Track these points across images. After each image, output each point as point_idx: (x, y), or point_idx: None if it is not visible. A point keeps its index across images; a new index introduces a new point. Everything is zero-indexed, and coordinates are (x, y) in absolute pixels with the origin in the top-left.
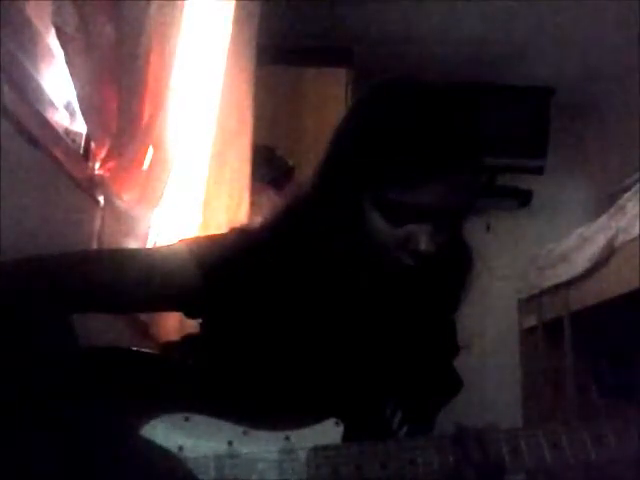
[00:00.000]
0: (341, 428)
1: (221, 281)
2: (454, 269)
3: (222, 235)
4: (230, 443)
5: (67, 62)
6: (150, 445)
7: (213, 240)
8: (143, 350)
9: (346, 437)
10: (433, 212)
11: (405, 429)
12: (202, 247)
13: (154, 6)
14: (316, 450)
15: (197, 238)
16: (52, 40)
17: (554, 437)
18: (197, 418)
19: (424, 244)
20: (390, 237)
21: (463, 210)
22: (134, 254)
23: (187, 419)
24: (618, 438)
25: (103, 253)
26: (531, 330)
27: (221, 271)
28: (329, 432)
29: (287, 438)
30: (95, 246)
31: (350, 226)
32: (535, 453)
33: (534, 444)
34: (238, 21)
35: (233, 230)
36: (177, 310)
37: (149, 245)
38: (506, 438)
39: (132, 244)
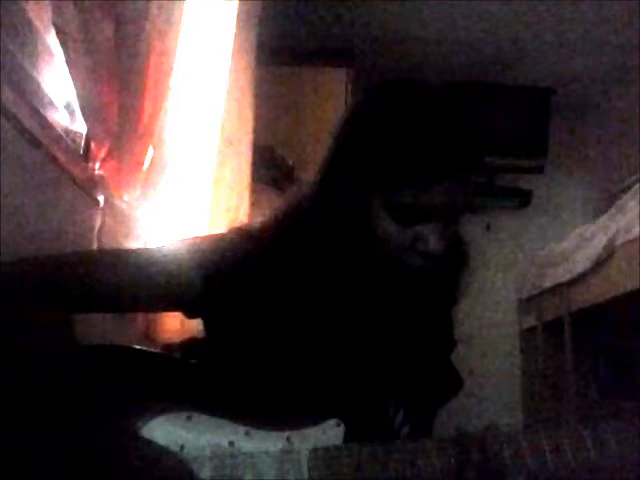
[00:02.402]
0: (342, 429)
1: (221, 281)
2: (453, 265)
3: (222, 234)
4: (231, 443)
5: (67, 62)
6: (151, 444)
7: (213, 239)
8: (145, 349)
9: (348, 437)
10: (442, 211)
11: (407, 428)
12: (202, 246)
13: (154, 6)
14: (317, 451)
15: (197, 237)
16: (52, 40)
17: (555, 439)
18: (199, 417)
19: (434, 244)
20: (398, 238)
21: (466, 207)
22: (134, 253)
23: (189, 418)
24: (619, 439)
25: (103, 253)
26: (531, 330)
27: (221, 270)
28: (330, 433)
29: (288, 438)
30: (95, 246)
31: (355, 227)
32: (536, 455)
33: (535, 446)
34: (239, 21)
35: (233, 230)
36: (177, 310)
37: (149, 245)
38: (507, 440)
39: (132, 244)
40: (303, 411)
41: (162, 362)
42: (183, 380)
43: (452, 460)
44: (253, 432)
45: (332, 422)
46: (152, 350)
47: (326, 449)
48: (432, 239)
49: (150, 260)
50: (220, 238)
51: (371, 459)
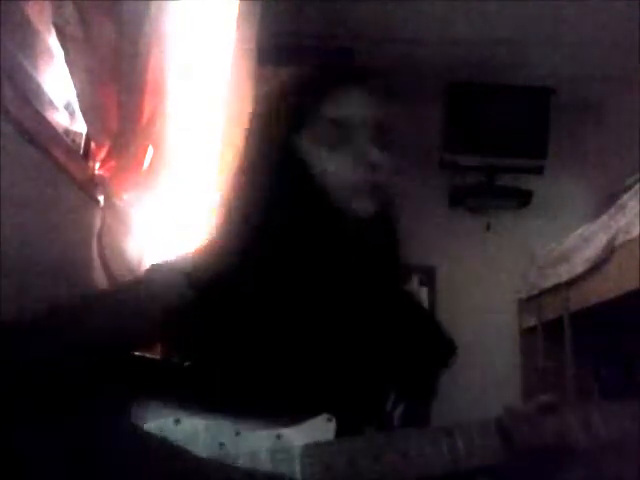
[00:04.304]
0: (333, 424)
1: (209, 289)
2: (386, 226)
3: (201, 250)
4: (222, 444)
5: (67, 62)
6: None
7: (196, 255)
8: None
9: (339, 431)
10: (366, 123)
11: (401, 408)
12: (183, 263)
13: (154, 6)
14: (308, 447)
15: (174, 258)
16: (52, 40)
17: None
18: (188, 420)
19: (373, 153)
20: (339, 161)
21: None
22: (126, 291)
23: (178, 422)
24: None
25: (89, 302)
26: (531, 330)
27: (204, 278)
28: (321, 428)
29: (279, 436)
30: (95, 246)
31: (297, 185)
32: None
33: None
34: (239, 21)
35: (203, 246)
36: (178, 334)
37: (149, 245)
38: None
39: (132, 244)
40: (293, 408)
41: (149, 366)
42: (170, 384)
43: (445, 449)
44: (243, 432)
45: (323, 417)
46: (139, 354)
47: (318, 444)
48: (369, 150)
49: (144, 291)
50: (200, 253)
51: (363, 452)
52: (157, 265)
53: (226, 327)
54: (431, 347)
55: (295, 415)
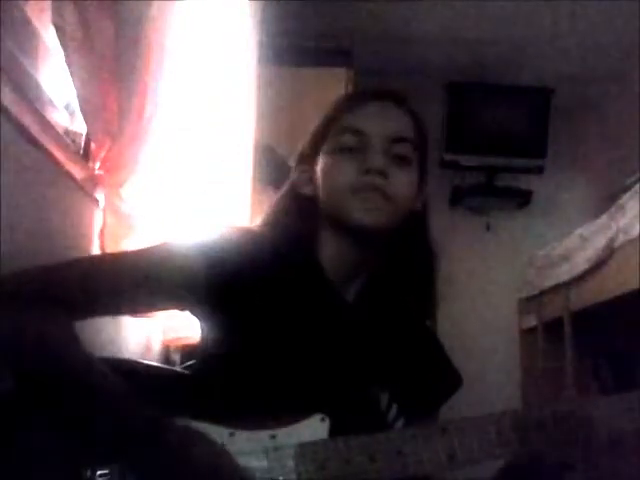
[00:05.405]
0: (327, 423)
1: (223, 276)
2: (420, 267)
3: (224, 232)
4: None
5: (67, 61)
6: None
7: (215, 237)
8: (126, 358)
9: (334, 431)
10: (381, 135)
11: (401, 422)
12: (205, 243)
13: (154, 6)
14: (302, 446)
15: (197, 235)
16: (52, 40)
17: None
18: (182, 423)
19: (375, 159)
20: (347, 168)
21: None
22: (134, 255)
23: None
24: None
25: (103, 258)
26: (531, 330)
27: (223, 266)
28: (315, 428)
29: (273, 436)
30: (95, 246)
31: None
32: None
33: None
34: (239, 21)
35: (235, 228)
36: (178, 305)
37: (149, 244)
38: None
39: (132, 244)
40: (287, 409)
41: (144, 370)
42: (165, 387)
43: (440, 448)
44: (237, 433)
45: (317, 417)
46: (133, 359)
47: (313, 444)
48: (373, 156)
49: (152, 257)
50: (222, 235)
51: (358, 451)
52: (177, 241)
53: (227, 325)
54: (438, 376)
55: (289, 416)
